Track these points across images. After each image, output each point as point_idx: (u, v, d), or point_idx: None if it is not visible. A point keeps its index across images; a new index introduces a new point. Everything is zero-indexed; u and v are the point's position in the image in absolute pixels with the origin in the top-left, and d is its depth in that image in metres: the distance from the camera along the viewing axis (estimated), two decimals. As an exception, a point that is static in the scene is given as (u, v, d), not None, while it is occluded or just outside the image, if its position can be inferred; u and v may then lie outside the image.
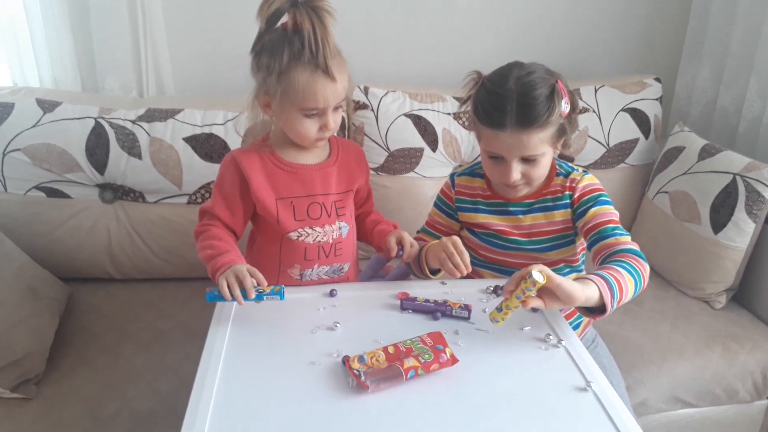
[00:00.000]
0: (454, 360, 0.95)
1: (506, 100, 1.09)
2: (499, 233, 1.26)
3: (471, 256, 1.27)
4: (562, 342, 1.02)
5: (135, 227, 1.66)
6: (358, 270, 1.38)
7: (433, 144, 1.77)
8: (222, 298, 1.02)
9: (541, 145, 1.12)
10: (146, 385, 1.33)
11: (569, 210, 1.23)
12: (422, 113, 1.76)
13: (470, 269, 1.12)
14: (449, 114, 1.78)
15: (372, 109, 1.74)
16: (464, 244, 1.29)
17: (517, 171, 1.15)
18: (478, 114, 1.15)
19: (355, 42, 1.94)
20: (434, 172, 1.80)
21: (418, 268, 1.23)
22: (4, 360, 1.25)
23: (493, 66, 1.20)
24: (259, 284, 1.03)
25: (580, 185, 1.22)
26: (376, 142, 1.75)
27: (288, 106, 1.12)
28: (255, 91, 1.15)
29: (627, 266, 1.05)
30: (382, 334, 1.02)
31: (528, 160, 1.15)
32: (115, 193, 1.66)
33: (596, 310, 1.01)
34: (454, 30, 1.99)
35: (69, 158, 1.58)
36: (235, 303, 1.04)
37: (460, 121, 1.78)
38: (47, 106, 1.59)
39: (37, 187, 1.59)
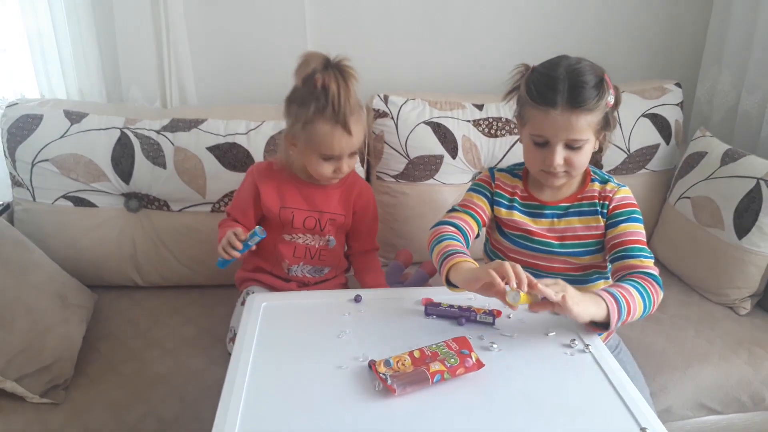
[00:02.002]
0: (479, 364, 0.95)
1: (558, 81, 1.13)
2: (530, 234, 1.26)
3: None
4: (589, 347, 1.02)
5: (160, 235, 1.68)
6: (344, 277, 1.56)
7: (453, 151, 1.78)
8: (227, 262, 1.32)
9: (587, 131, 1.15)
10: (172, 391, 1.35)
11: (603, 218, 1.25)
12: (442, 120, 1.77)
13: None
14: (469, 121, 1.79)
15: (392, 117, 1.76)
16: (495, 247, 1.30)
17: (560, 156, 1.17)
18: (530, 93, 1.17)
19: (375, 50, 1.98)
20: (454, 179, 1.81)
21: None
22: (34, 365, 1.28)
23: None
24: (238, 237, 1.28)
25: (617, 197, 1.25)
26: (396, 150, 1.77)
27: (309, 149, 1.32)
28: (285, 132, 1.37)
29: (640, 288, 1.09)
30: (407, 339, 1.02)
31: (572, 147, 1.17)
32: (141, 201, 1.69)
33: (599, 324, 1.05)
34: (472, 37, 2.00)
35: (95, 168, 1.61)
36: (255, 299, 1.18)
37: (480, 128, 1.79)
38: (74, 117, 1.62)
39: (65, 197, 1.63)
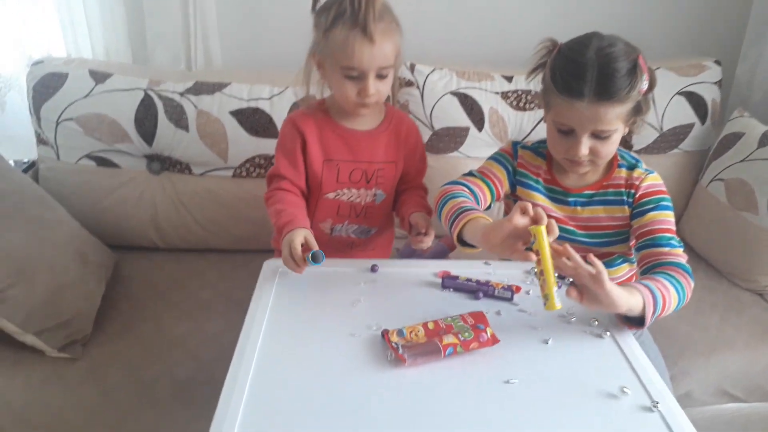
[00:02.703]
0: (494, 340, 0.93)
1: (586, 68, 1.04)
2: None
3: None
4: (607, 333, 0.99)
5: (181, 198, 1.68)
6: (391, 238, 1.46)
7: (479, 123, 1.74)
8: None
9: (616, 121, 1.07)
10: (188, 352, 1.36)
11: (629, 208, 1.18)
12: (469, 92, 1.73)
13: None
14: (497, 93, 1.74)
15: (417, 87, 1.72)
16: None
17: (586, 146, 1.09)
18: (555, 81, 1.09)
19: (402, 18, 1.91)
20: (479, 152, 1.77)
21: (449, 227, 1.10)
22: (52, 320, 1.30)
23: (543, 43, 1.18)
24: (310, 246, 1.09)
25: (644, 184, 1.17)
26: (420, 120, 1.73)
27: (330, 63, 1.16)
28: (310, 48, 1.20)
29: (675, 283, 1.03)
30: (422, 311, 1.01)
31: (598, 137, 1.09)
32: (163, 164, 1.69)
33: (633, 320, 0.99)
34: (503, 6, 1.94)
35: (119, 128, 1.61)
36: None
37: (508, 101, 1.74)
38: (99, 77, 1.62)
39: (88, 156, 1.63)
